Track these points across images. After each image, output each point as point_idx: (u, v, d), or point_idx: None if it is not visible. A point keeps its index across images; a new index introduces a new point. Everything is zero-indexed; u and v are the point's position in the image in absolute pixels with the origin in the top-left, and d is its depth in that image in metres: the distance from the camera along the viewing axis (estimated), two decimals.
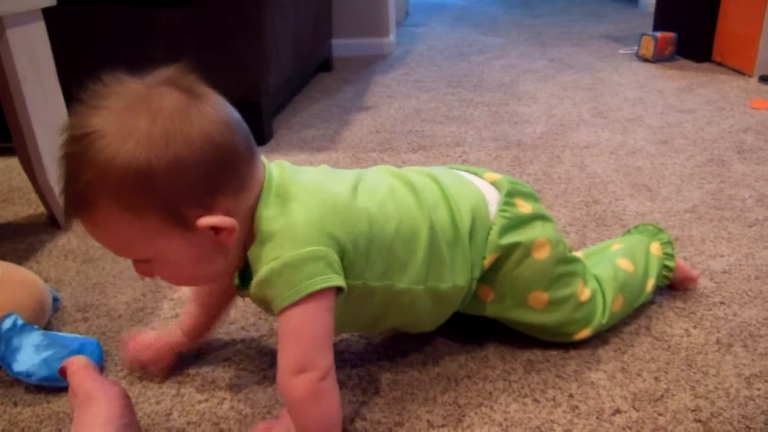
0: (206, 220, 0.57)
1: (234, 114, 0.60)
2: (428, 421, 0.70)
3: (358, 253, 0.64)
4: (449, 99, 2.03)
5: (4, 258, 0.92)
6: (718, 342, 0.81)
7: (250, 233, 0.62)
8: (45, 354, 0.75)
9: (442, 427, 0.69)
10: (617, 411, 0.70)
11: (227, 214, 0.58)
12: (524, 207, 0.76)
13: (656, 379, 0.75)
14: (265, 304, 0.64)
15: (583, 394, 0.73)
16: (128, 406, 0.62)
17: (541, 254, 0.75)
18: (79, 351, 0.77)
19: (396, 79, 2.33)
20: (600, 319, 0.79)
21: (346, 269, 0.63)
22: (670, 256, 0.89)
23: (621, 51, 2.66)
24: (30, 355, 0.74)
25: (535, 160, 1.47)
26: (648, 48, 2.43)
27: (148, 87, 0.57)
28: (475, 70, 2.43)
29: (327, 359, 0.62)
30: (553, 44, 2.88)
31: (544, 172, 1.40)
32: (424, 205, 0.70)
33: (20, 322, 0.77)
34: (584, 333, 0.79)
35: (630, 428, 0.68)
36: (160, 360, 0.77)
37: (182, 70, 0.59)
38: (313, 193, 0.63)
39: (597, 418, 0.69)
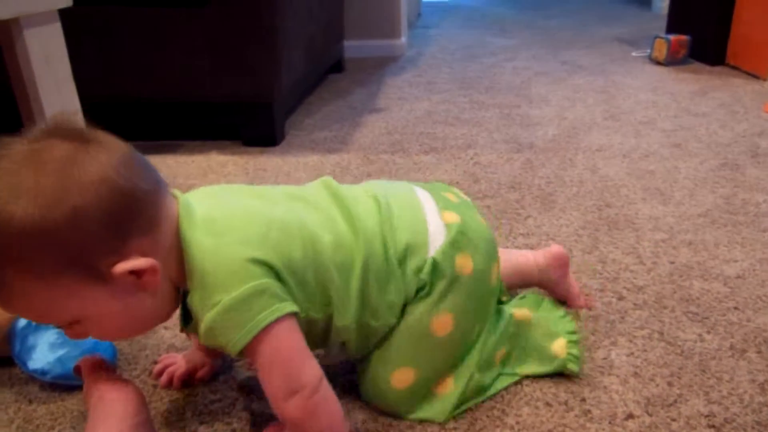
0: (122, 266, 0.53)
1: (131, 153, 0.56)
2: (440, 424, 0.70)
3: (296, 279, 0.61)
4: (461, 101, 2.03)
5: None
6: (732, 347, 0.81)
7: (180, 271, 0.59)
8: (60, 352, 0.75)
9: (454, 430, 0.69)
10: (630, 416, 0.70)
11: (144, 255, 0.55)
12: (463, 267, 0.69)
13: (669, 384, 0.75)
14: (220, 349, 0.60)
15: (595, 398, 0.73)
16: (142, 404, 0.63)
17: (442, 331, 0.69)
18: (92, 350, 0.77)
19: (408, 81, 2.33)
20: (436, 409, 0.71)
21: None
22: (576, 359, 0.76)
23: (634, 54, 2.64)
24: (45, 353, 0.75)
25: (547, 163, 1.47)
26: (661, 51, 2.42)
27: (33, 142, 0.53)
28: (486, 72, 2.43)
29: (311, 373, 0.60)
30: (566, 47, 2.88)
31: (556, 175, 1.39)
32: (360, 235, 0.65)
33: None
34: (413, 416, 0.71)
35: None
36: (203, 379, 0.78)
37: (67, 117, 0.56)
38: (244, 220, 0.61)
39: (609, 422, 0.69)
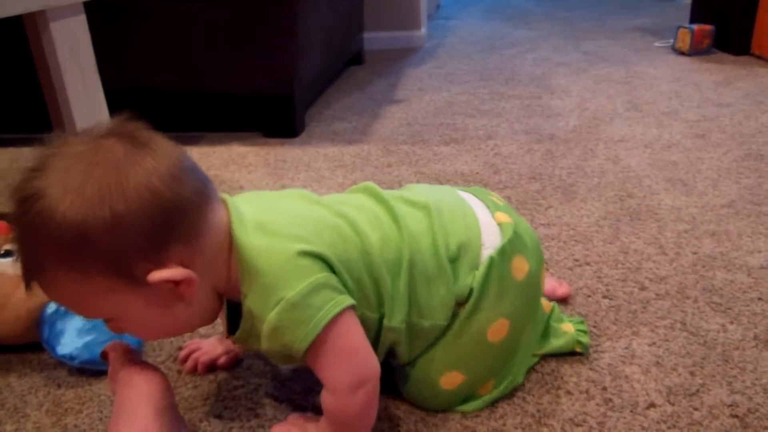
0: (157, 275, 0.54)
1: (181, 160, 0.56)
2: (461, 411, 0.70)
3: (353, 278, 0.61)
4: (481, 92, 2.02)
5: None
6: (755, 338, 0.80)
7: (228, 278, 0.59)
8: (87, 338, 0.77)
9: (475, 417, 0.69)
10: (652, 405, 0.70)
11: (183, 264, 0.55)
12: (519, 270, 0.68)
13: (692, 373, 0.74)
14: (282, 354, 0.60)
15: (616, 387, 0.73)
16: (167, 389, 0.64)
17: (496, 336, 0.68)
18: (119, 336, 0.79)
19: (427, 72, 2.32)
20: (474, 405, 0.71)
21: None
22: (585, 333, 0.79)
23: (656, 44, 2.61)
24: (73, 339, 0.77)
25: (568, 153, 1.46)
26: (684, 41, 2.39)
27: (89, 142, 0.54)
28: (506, 63, 2.41)
29: (376, 364, 0.60)
30: (587, 37, 2.85)
31: (577, 165, 1.38)
32: (405, 232, 0.64)
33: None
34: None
35: (665, 422, 0.67)
36: (227, 365, 0.79)
37: (127, 118, 0.56)
38: (295, 220, 0.61)
39: (631, 411, 0.69)
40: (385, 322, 0.64)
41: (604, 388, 0.73)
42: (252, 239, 0.58)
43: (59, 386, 0.77)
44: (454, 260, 0.66)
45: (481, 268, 0.66)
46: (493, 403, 0.71)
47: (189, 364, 0.78)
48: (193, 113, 1.71)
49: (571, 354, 0.78)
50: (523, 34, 2.98)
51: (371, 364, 0.60)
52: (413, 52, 2.72)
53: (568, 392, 0.72)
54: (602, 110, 1.78)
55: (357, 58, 2.49)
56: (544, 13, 3.60)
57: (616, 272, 0.96)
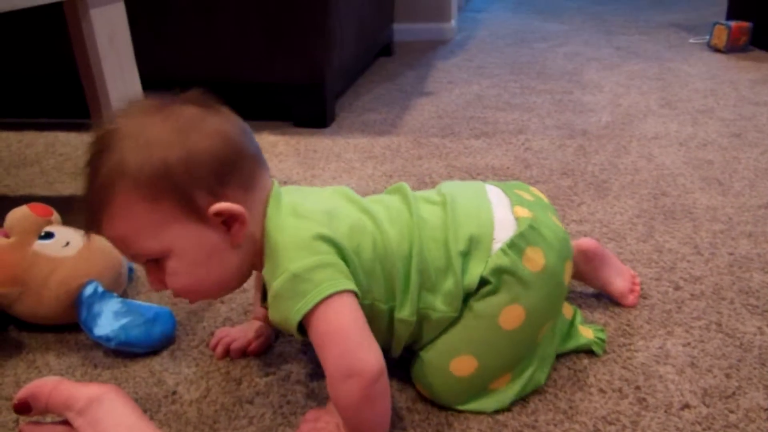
0: (217, 206, 0.59)
1: (246, 126, 0.65)
2: (475, 411, 0.70)
3: (364, 269, 0.63)
4: (511, 86, 2.00)
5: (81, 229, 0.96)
6: None
7: (260, 248, 0.64)
8: (123, 320, 0.78)
9: (507, 412, 0.69)
10: (686, 406, 0.69)
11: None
12: (533, 261, 0.67)
13: (727, 375, 0.73)
14: (285, 326, 0.62)
15: (650, 387, 0.72)
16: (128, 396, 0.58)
17: (510, 324, 0.67)
18: (154, 319, 0.80)
19: (457, 65, 2.31)
20: (490, 403, 0.70)
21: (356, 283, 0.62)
22: (602, 342, 0.78)
23: (691, 40, 2.57)
24: (110, 321, 0.78)
25: (600, 149, 1.44)
26: (720, 38, 2.35)
27: (165, 102, 0.62)
28: (537, 57, 2.39)
29: (372, 358, 0.59)
30: (619, 32, 2.81)
31: (610, 162, 1.37)
32: (415, 227, 0.67)
33: (100, 289, 0.81)
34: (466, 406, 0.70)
35: (700, 424, 0.67)
36: (258, 351, 0.80)
37: (198, 92, 0.64)
38: (324, 211, 0.65)
39: (665, 411, 0.68)
40: (396, 313, 0.66)
41: (638, 387, 0.72)
42: (280, 218, 0.63)
43: (96, 366, 0.78)
44: (465, 254, 0.67)
45: (491, 260, 0.67)
46: (524, 399, 0.71)
47: (219, 349, 0.79)
48: (224, 102, 1.71)
49: (605, 352, 0.77)
50: (554, 28, 2.95)
51: (364, 357, 0.59)
52: (443, 44, 2.70)
53: (601, 390, 0.72)
54: (635, 107, 1.75)
55: (387, 50, 2.49)
56: (576, 7, 3.56)
57: (650, 271, 0.94)
